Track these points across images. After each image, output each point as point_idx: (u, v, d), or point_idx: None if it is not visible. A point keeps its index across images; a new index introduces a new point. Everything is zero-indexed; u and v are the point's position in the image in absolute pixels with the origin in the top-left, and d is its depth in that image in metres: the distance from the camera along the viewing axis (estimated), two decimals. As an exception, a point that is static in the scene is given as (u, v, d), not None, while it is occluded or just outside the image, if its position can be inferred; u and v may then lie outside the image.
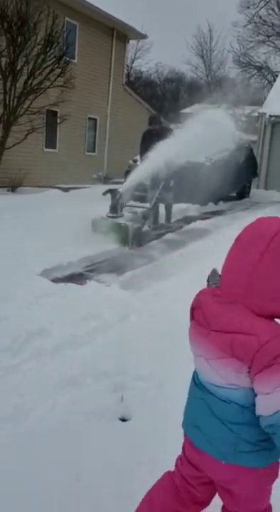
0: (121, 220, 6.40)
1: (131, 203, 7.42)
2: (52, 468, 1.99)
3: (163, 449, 2.15)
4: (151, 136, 7.40)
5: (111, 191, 6.62)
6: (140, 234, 6.60)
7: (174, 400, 2.58)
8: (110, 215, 6.49)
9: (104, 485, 1.91)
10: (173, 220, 8.39)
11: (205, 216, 9.36)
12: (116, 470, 2.00)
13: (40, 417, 2.39)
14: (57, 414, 2.42)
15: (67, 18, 14.46)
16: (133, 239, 6.36)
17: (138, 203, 7.51)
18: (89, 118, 16.72)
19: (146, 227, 7.07)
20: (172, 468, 1.57)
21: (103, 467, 2.02)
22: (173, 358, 3.06)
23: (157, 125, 7.78)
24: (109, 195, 6.68)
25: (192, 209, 9.88)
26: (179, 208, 9.50)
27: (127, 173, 10.50)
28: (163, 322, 3.61)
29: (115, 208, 6.53)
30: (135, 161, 10.95)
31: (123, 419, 2.42)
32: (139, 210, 6.96)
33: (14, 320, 3.43)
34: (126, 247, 6.24)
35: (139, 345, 3.26)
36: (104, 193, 6.73)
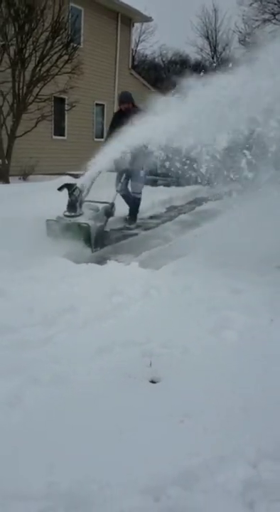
0: (81, 219, 5.42)
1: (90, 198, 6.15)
2: (94, 424, 2.22)
3: (190, 403, 2.40)
4: (120, 117, 6.48)
5: (68, 186, 5.59)
6: (103, 234, 5.72)
7: (197, 364, 2.83)
8: (68, 214, 5.47)
9: (143, 434, 2.15)
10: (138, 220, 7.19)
11: (216, 197, 9.51)
12: (152, 421, 2.24)
13: (77, 381, 2.61)
14: (93, 377, 2.65)
15: (71, 4, 14.49)
16: (97, 240, 5.49)
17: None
18: (97, 104, 16.82)
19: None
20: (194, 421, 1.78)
21: (140, 420, 2.25)
22: (194, 328, 3.29)
23: (128, 104, 6.74)
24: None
25: (203, 191, 10.03)
26: (191, 190, 9.68)
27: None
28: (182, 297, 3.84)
29: (74, 206, 5.49)
30: (146, 147, 11.09)
31: (152, 381, 2.64)
32: (101, 205, 5.93)
33: (42, 298, 3.68)
34: (89, 249, 5.32)
35: (162, 317, 3.49)
36: (60, 189, 5.63)
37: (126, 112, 6.53)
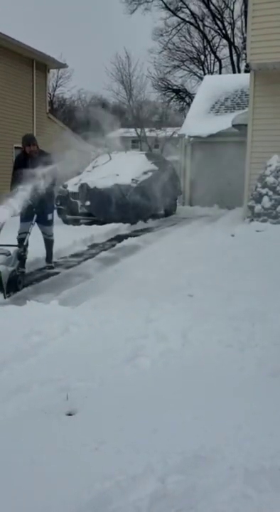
0: None
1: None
2: (6, 459, 2.26)
3: (105, 430, 2.51)
4: (25, 159, 6.41)
5: None
6: (15, 278, 5.51)
7: (112, 393, 2.95)
8: None
9: (57, 465, 2.22)
10: (56, 258, 7.22)
11: (135, 234, 9.85)
12: (66, 452, 2.31)
13: (-7, 421, 2.63)
14: (8, 417, 2.68)
15: (-15, 51, 14.68)
16: (9, 285, 5.31)
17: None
18: (16, 147, 16.87)
19: (21, 269, 5.92)
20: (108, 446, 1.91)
21: (55, 452, 2.32)
22: (110, 359, 3.42)
23: (32, 146, 6.48)
24: None
25: (123, 228, 10.35)
26: (111, 228, 9.96)
27: (58, 198, 10.84)
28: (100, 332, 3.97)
29: None
30: (65, 187, 11.30)
31: (69, 414, 2.72)
32: (11, 249, 5.70)
33: None
34: (1, 295, 5.21)
35: (80, 352, 3.58)
36: None
37: (30, 154, 6.41)
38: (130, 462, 2.23)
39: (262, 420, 2.57)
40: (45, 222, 6.63)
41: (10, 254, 5.55)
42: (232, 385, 3.00)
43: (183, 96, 31.25)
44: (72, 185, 11.25)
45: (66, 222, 10.92)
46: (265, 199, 9.60)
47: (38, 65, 17.84)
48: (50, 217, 6.72)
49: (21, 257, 5.83)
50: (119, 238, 9.21)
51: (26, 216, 6.31)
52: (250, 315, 4.11)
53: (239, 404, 2.73)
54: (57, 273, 6.65)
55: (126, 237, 9.27)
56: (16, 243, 6.07)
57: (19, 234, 6.34)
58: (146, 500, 2.00)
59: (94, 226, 10.27)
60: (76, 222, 10.87)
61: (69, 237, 8.47)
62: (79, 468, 2.20)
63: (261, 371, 3.19)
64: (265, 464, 2.18)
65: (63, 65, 20.84)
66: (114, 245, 8.55)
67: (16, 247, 5.83)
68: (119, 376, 3.17)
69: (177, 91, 31.21)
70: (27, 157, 6.44)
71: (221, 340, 3.67)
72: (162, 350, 3.51)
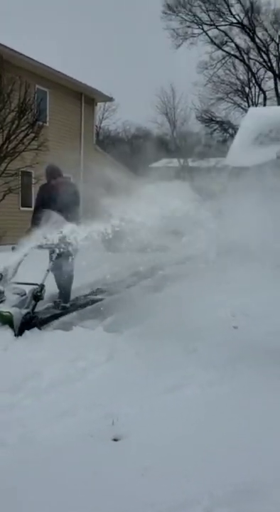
0: (2, 307, 4.85)
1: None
2: (58, 481, 2.32)
3: (150, 457, 2.53)
4: (49, 191, 6.18)
5: None
6: (29, 320, 4.95)
7: (158, 420, 2.97)
8: None
9: (104, 489, 2.26)
10: (72, 298, 6.47)
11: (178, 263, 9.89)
12: (112, 476, 2.35)
13: (41, 443, 2.71)
14: (56, 439, 2.75)
15: (37, 86, 15.47)
16: (21, 327, 4.81)
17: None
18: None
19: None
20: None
21: (101, 475, 2.36)
22: (156, 387, 3.46)
23: (57, 178, 6.31)
24: None
25: (161, 257, 10.42)
26: (154, 256, 10.03)
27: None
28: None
29: None
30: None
31: (115, 439, 2.76)
32: (28, 288, 5.23)
33: (10, 365, 3.79)
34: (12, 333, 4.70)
35: (126, 379, 3.64)
36: None
37: (55, 185, 6.21)
38: (176, 490, 2.24)
39: None
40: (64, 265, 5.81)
41: (25, 295, 5.13)
42: None
43: (226, 127, 31.49)
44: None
45: (110, 250, 11.11)
46: None
47: (86, 98, 18.60)
48: (70, 259, 5.67)
49: (38, 297, 5.14)
50: (161, 267, 9.27)
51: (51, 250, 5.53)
52: None
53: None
54: (101, 299, 6.78)
55: (166, 267, 9.32)
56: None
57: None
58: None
59: (137, 254, 10.39)
60: (119, 250, 11.01)
61: (112, 264, 8.63)
62: (124, 493, 2.24)
63: None
64: None
65: (110, 99, 21.59)
66: (155, 274, 8.62)
67: (33, 286, 5.21)
68: (164, 404, 3.19)
69: (221, 123, 31.51)
70: (51, 188, 6.24)
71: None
72: (207, 380, 3.51)
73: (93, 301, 6.66)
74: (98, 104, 21.68)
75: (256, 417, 2.97)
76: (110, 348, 4.22)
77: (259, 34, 29.44)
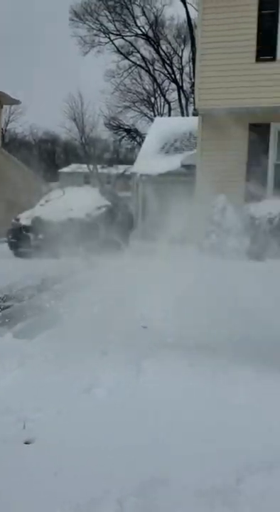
0: None
1: None
2: None
3: (63, 458, 2.58)
4: None
5: None
6: None
7: (69, 422, 3.02)
8: None
9: (16, 493, 2.27)
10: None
11: (88, 267, 9.94)
12: (25, 478, 2.37)
13: None
14: None
15: None
16: None
17: None
18: None
19: None
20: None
21: (13, 478, 2.36)
22: (67, 390, 3.50)
23: None
24: None
25: (76, 261, 10.43)
26: (64, 262, 10.01)
27: (10, 231, 10.84)
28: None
29: None
30: (17, 220, 11.31)
31: (27, 442, 2.77)
32: None
33: None
34: None
35: (36, 384, 3.63)
36: None
37: None
38: (89, 486, 2.32)
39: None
40: None
41: None
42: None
43: (134, 136, 32.25)
44: (25, 219, 11.29)
45: (18, 255, 10.88)
46: (212, 236, 10.06)
47: (-9, 100, 18.01)
48: None
49: None
50: (72, 271, 9.28)
51: None
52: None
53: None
54: (8, 306, 6.62)
55: (78, 271, 9.35)
56: None
57: None
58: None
59: (47, 260, 10.29)
60: (28, 256, 10.84)
61: (21, 270, 8.47)
62: (38, 493, 2.27)
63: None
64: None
65: (16, 102, 21.07)
66: (66, 279, 8.61)
67: None
68: (75, 406, 3.25)
69: (128, 130, 32.20)
70: None
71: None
72: (117, 381, 3.63)
73: (1, 308, 6.52)
74: (4, 106, 21.07)
75: (163, 413, 3.14)
76: (20, 354, 4.18)
77: (163, 47, 30.68)
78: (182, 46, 30.66)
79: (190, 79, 30.26)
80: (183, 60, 31.14)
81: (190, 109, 30.49)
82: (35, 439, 2.80)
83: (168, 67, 31.07)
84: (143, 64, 31.41)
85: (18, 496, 2.24)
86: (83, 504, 2.19)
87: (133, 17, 30.00)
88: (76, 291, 7.55)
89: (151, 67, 31.61)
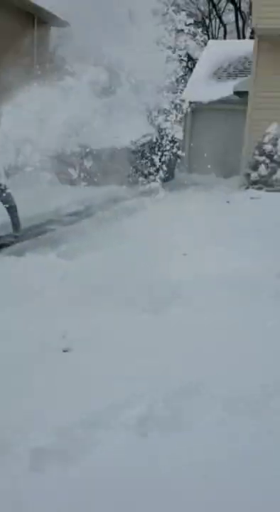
0: None
1: None
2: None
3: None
4: None
5: None
6: None
7: (106, 339, 3.16)
8: None
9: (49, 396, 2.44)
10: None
11: (133, 197, 9.93)
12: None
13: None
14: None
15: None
16: None
17: None
18: None
19: None
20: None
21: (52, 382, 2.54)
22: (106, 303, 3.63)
23: None
24: None
25: (121, 190, 10.42)
26: (108, 190, 10.05)
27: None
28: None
29: None
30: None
31: (65, 350, 2.95)
32: None
33: None
34: None
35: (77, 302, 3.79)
36: None
37: None
38: (120, 389, 2.45)
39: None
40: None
41: None
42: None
43: (186, 60, 30.68)
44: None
45: (63, 182, 10.97)
46: (262, 167, 9.68)
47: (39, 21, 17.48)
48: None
49: None
50: (116, 200, 9.32)
51: None
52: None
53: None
54: (53, 229, 6.85)
55: (123, 199, 9.38)
56: None
57: None
58: (134, 420, 2.23)
59: (91, 187, 10.34)
60: (73, 183, 10.90)
61: (66, 196, 8.57)
62: (71, 392, 2.45)
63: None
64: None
65: (65, 24, 20.36)
66: (111, 206, 8.68)
67: None
68: (110, 321, 3.38)
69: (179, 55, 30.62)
70: None
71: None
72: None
73: (46, 231, 6.71)
74: (52, 28, 20.45)
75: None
76: (63, 271, 4.34)
77: None
78: None
79: (249, -2, 28.01)
80: (242, -24, 28.68)
81: (248, 32, 28.45)
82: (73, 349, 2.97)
83: (225, -15, 28.80)
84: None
85: (53, 395, 2.41)
86: (120, 404, 2.33)
87: None
88: (118, 219, 7.61)
89: (206, -15, 29.39)
